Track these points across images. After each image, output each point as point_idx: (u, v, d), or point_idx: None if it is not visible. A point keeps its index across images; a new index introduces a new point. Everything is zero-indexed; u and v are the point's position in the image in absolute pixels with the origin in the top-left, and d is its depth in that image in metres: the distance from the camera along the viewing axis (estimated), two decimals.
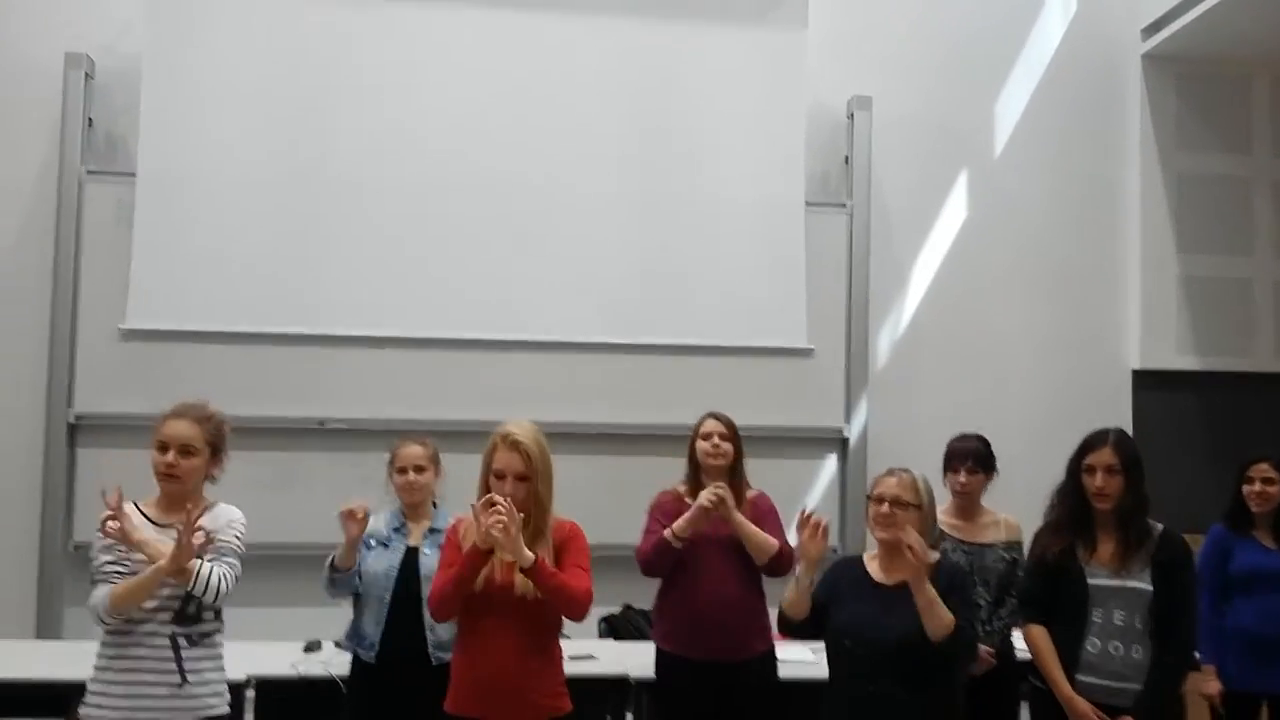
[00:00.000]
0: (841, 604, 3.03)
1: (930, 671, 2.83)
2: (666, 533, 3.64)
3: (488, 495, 2.89)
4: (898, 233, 6.43)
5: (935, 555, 2.94)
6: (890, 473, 3.07)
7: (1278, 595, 3.83)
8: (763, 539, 3.66)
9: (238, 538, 2.99)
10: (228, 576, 2.91)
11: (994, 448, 4.08)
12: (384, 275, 5.85)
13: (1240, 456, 4.11)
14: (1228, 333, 6.53)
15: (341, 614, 3.71)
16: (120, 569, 2.85)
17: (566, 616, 2.98)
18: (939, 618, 2.82)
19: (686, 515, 3.62)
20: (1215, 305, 6.52)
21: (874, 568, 3.05)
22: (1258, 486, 3.94)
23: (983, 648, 3.68)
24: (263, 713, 3.79)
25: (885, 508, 2.98)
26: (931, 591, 2.84)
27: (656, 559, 3.69)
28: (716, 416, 3.83)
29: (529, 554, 2.86)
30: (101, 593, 2.84)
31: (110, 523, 2.83)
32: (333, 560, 3.51)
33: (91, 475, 5.54)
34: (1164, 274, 6.51)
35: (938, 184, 6.50)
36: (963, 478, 3.97)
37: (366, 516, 3.48)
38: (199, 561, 2.85)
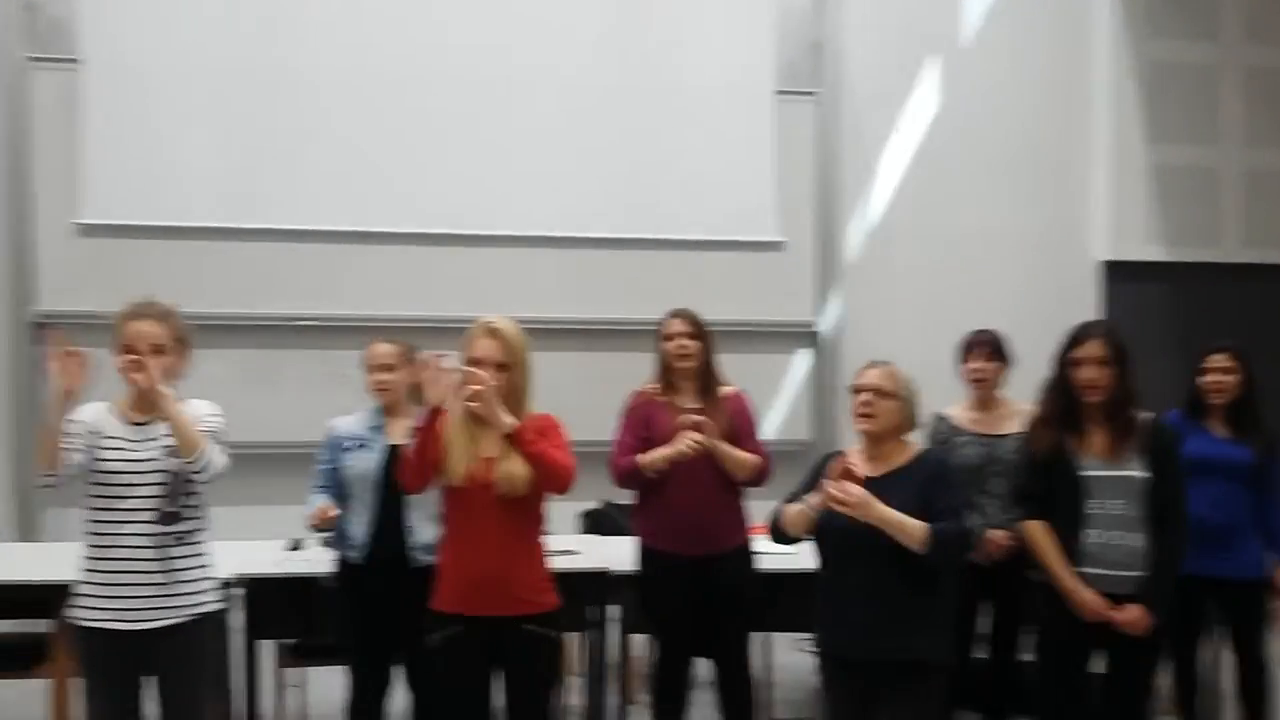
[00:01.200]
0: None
1: (911, 564, 2.88)
2: (641, 460, 3.62)
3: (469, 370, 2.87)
4: (868, 122, 6.37)
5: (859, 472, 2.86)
6: (872, 364, 3.08)
7: (1224, 484, 3.88)
8: (741, 459, 3.65)
9: (219, 425, 2.95)
10: (220, 452, 2.89)
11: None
12: (352, 168, 5.74)
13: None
14: (1196, 223, 6.58)
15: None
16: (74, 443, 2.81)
17: (550, 489, 2.98)
18: (909, 534, 2.83)
19: (663, 453, 3.58)
20: (1184, 195, 6.56)
21: (857, 460, 3.07)
22: (1212, 377, 3.98)
23: (998, 532, 3.74)
24: (251, 610, 3.82)
25: (864, 397, 3.00)
26: (887, 514, 2.81)
27: (630, 481, 3.71)
28: (680, 315, 3.76)
29: (508, 419, 2.88)
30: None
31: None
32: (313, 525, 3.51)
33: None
34: (1132, 164, 6.51)
35: (907, 72, 6.43)
36: (977, 364, 3.97)
37: (335, 518, 3.46)
38: (200, 431, 2.82)
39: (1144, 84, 6.50)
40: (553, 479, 2.95)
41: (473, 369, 2.89)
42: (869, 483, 2.95)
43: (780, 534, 3.10)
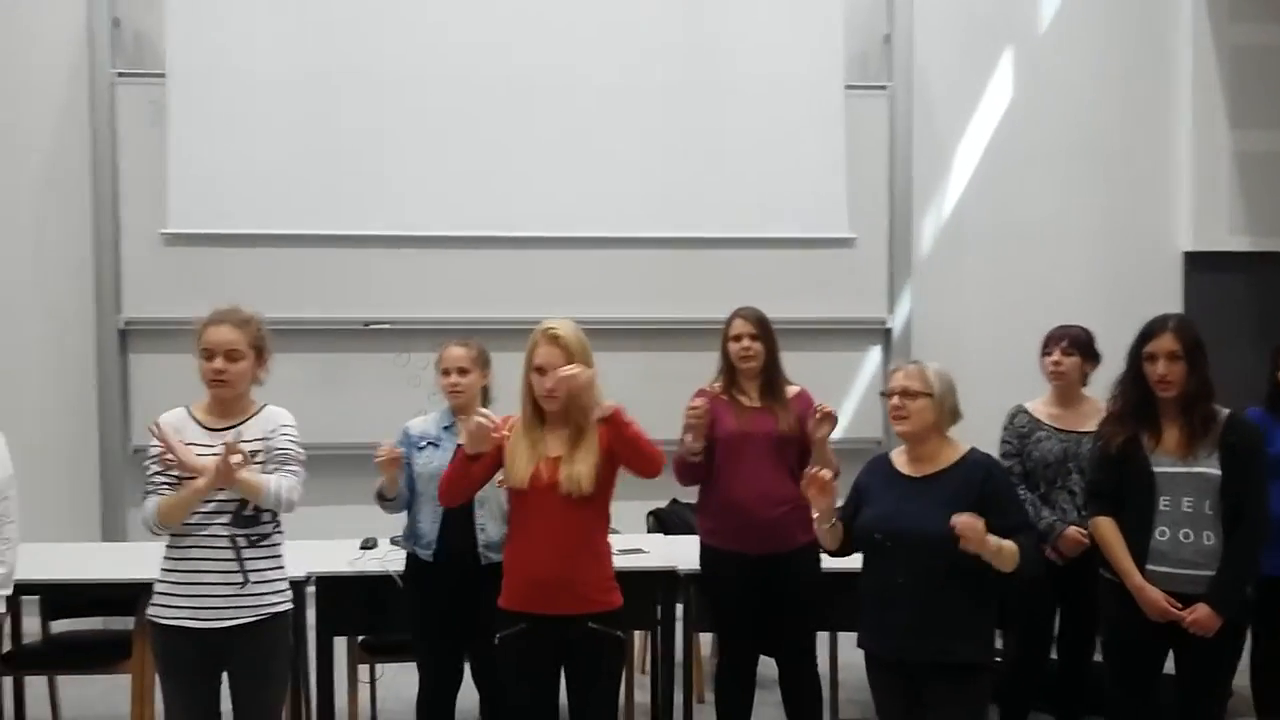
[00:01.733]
0: (871, 500, 3.03)
1: (959, 561, 2.85)
2: (681, 450, 3.65)
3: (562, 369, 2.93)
4: (940, 115, 6.28)
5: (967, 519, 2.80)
6: (898, 366, 3.06)
7: None
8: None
9: (293, 442, 3.04)
10: (294, 487, 2.97)
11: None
12: (425, 174, 5.83)
13: None
14: None
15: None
16: (168, 480, 2.92)
17: (642, 472, 2.99)
18: (1005, 561, 2.81)
19: (686, 436, 3.62)
20: (1270, 183, 6.34)
21: (901, 461, 3.05)
22: None
23: (1074, 529, 3.68)
24: (324, 608, 3.90)
25: (895, 399, 2.97)
26: (990, 544, 2.78)
27: (685, 474, 3.74)
28: (745, 315, 3.75)
29: (608, 403, 2.93)
30: (150, 505, 2.92)
31: (165, 456, 2.89)
32: (380, 490, 3.57)
33: (144, 380, 5.65)
34: (1216, 151, 6.32)
35: (981, 63, 6.33)
36: (1056, 357, 3.90)
37: (399, 457, 3.53)
38: (266, 479, 2.91)
39: (1226, 69, 6.30)
40: (649, 461, 2.98)
41: (570, 367, 2.92)
42: (915, 483, 2.92)
43: (831, 553, 3.15)
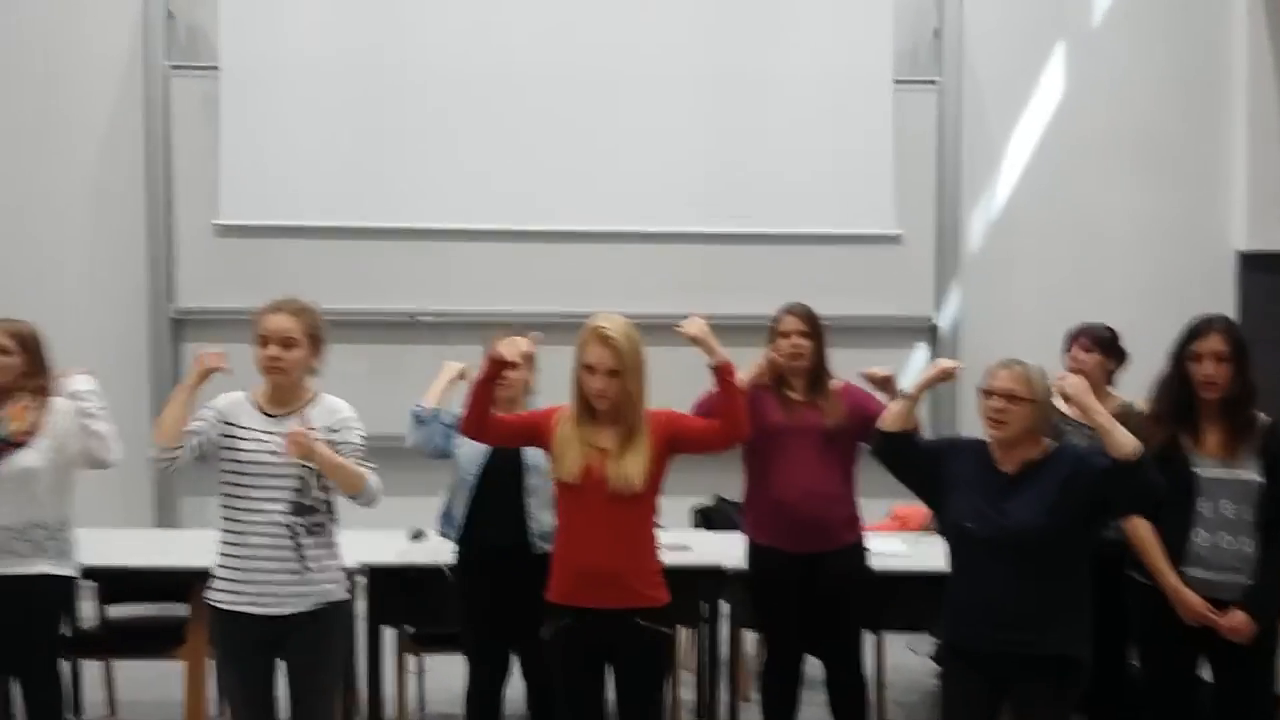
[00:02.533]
0: (962, 488, 2.97)
1: (1051, 560, 2.82)
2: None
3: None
4: (990, 111, 6.22)
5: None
6: (1004, 364, 2.94)
7: None
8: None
9: (361, 437, 3.09)
10: (374, 477, 3.06)
11: None
12: (467, 167, 5.87)
13: None
14: None
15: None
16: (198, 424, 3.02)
17: (734, 435, 3.06)
18: (1118, 438, 2.77)
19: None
20: None
21: (998, 452, 2.98)
22: None
23: None
24: (374, 599, 3.94)
25: (997, 402, 2.89)
26: (1099, 407, 2.85)
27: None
28: (795, 312, 3.73)
29: (723, 352, 3.05)
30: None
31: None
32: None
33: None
34: (1273, 149, 6.19)
35: (1033, 58, 6.25)
36: (1077, 353, 3.87)
37: (463, 375, 3.59)
38: (366, 470, 3.02)
39: None
40: (739, 423, 3.05)
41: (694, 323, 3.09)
42: (1010, 478, 2.90)
43: (880, 435, 3.12)
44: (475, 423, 3.10)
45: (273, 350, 2.99)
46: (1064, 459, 2.93)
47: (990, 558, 2.86)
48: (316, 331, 3.08)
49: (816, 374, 3.73)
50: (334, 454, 2.95)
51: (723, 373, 3.05)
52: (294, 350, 3.01)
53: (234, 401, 3.07)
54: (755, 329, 3.88)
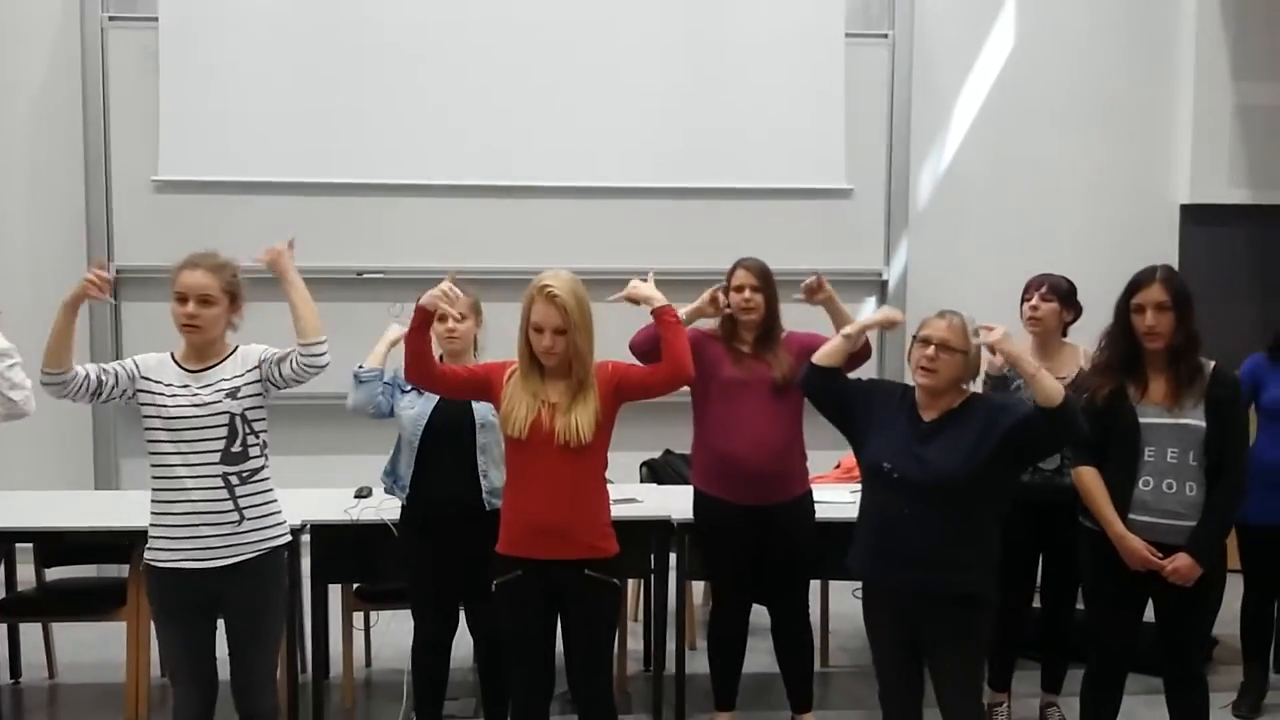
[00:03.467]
0: (883, 427, 3.01)
1: (964, 505, 2.86)
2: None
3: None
4: (941, 65, 6.22)
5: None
6: (941, 315, 2.99)
7: None
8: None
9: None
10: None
11: None
12: (416, 122, 5.77)
13: None
14: None
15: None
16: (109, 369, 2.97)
17: (678, 375, 3.05)
18: (1044, 384, 2.82)
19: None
20: (1271, 136, 6.29)
21: (921, 399, 3.02)
22: None
23: None
24: (318, 556, 3.90)
25: (931, 351, 2.92)
26: (1026, 354, 2.90)
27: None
28: (748, 267, 3.73)
29: (660, 296, 3.13)
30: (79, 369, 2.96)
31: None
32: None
33: (136, 327, 5.63)
34: (1217, 103, 6.27)
35: (984, 12, 6.26)
36: (1034, 302, 3.87)
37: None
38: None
39: (1230, 20, 6.23)
40: (681, 364, 3.03)
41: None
42: (931, 425, 2.92)
43: (816, 379, 3.16)
44: (418, 372, 3.09)
45: (190, 308, 2.93)
46: (982, 407, 2.98)
47: (905, 499, 2.90)
48: (235, 288, 3.02)
49: (768, 327, 3.73)
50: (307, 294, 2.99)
51: (664, 314, 3.08)
52: (212, 308, 2.95)
53: (156, 360, 3.02)
54: (708, 283, 3.86)
